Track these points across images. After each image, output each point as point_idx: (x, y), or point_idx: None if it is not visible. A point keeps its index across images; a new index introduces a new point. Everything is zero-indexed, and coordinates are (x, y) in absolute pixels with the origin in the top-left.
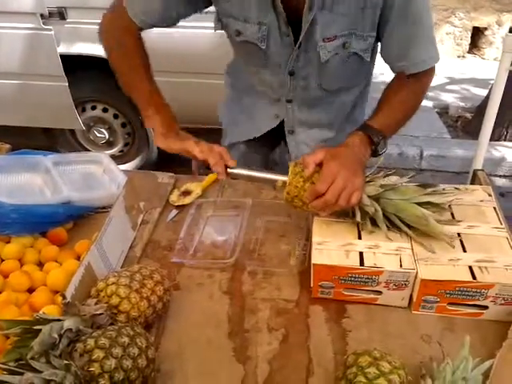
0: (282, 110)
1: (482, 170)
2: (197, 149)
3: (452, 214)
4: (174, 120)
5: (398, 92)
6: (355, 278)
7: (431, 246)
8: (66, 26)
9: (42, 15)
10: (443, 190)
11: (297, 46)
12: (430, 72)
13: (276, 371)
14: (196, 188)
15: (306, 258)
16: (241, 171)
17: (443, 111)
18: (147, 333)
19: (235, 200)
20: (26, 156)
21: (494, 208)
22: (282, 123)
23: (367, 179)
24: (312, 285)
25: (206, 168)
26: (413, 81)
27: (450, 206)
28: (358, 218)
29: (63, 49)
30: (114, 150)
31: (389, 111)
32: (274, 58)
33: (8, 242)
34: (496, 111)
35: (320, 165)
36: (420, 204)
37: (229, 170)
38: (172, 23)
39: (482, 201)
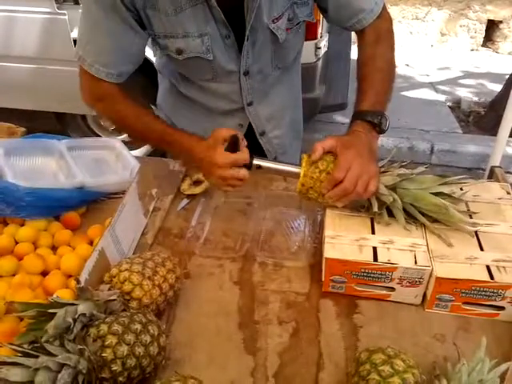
0: (245, 117)
1: (500, 166)
2: (236, 156)
3: (469, 211)
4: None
5: (370, 61)
6: (368, 273)
7: (448, 238)
8: (80, 10)
9: (56, 0)
10: (461, 178)
11: (245, 39)
12: (385, 16)
13: (286, 364)
14: None
15: (317, 251)
16: (265, 163)
17: (455, 105)
18: (159, 320)
19: (246, 190)
20: (41, 140)
21: None
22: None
23: (382, 170)
24: (323, 279)
25: None
26: (374, 36)
27: (467, 203)
28: (375, 208)
29: (77, 34)
30: (124, 136)
31: (372, 87)
32: (223, 65)
33: (22, 225)
34: None
35: (332, 154)
36: (437, 194)
37: (254, 161)
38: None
39: (500, 198)
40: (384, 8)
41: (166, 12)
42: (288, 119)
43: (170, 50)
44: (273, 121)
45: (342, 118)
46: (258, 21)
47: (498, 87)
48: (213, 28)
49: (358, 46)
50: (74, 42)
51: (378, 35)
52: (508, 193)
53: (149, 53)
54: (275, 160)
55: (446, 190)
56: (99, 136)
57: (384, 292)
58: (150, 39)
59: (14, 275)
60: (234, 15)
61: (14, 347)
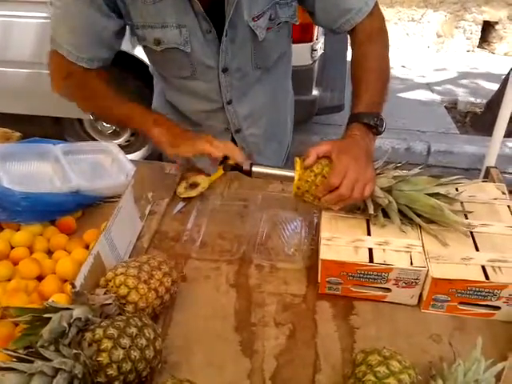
0: (226, 117)
1: (495, 167)
2: (211, 147)
3: (464, 211)
4: (173, 124)
5: (363, 61)
6: (364, 274)
7: (444, 238)
8: None
9: (51, 4)
10: (456, 179)
11: (224, 35)
12: (376, 14)
13: (283, 366)
14: (203, 181)
15: (314, 253)
16: (264, 170)
17: (452, 106)
18: (155, 324)
19: (242, 193)
20: (36, 144)
21: (508, 206)
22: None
23: (377, 171)
24: (319, 280)
25: (221, 163)
26: (366, 35)
27: (462, 203)
28: (371, 210)
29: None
30: (121, 140)
31: (367, 88)
32: (202, 59)
33: (18, 230)
34: None
35: (327, 158)
36: (432, 195)
37: (253, 169)
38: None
39: (495, 199)
40: (376, 7)
41: (144, 0)
42: (266, 120)
43: (147, 41)
44: (249, 119)
45: (340, 120)
46: (238, 17)
47: (494, 88)
48: (192, 20)
49: (351, 46)
50: None
51: (370, 34)
52: (503, 193)
53: (144, 56)
54: (270, 166)
55: (441, 190)
56: (96, 140)
57: (380, 293)
58: (129, 31)
59: (9, 280)
60: (215, 10)
61: (9, 352)
